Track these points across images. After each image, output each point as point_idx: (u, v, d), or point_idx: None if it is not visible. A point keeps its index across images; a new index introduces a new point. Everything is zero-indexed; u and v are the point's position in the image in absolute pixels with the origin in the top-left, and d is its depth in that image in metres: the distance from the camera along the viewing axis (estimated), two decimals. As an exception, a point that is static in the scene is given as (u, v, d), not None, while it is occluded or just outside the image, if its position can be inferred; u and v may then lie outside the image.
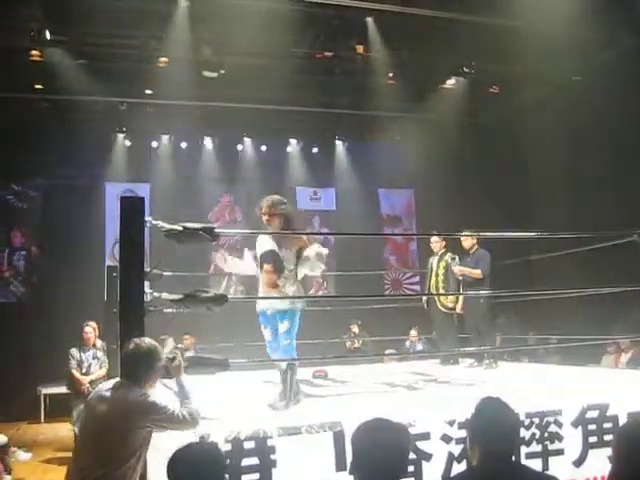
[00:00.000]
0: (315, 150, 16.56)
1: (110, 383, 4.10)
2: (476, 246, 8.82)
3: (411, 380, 7.38)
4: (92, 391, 9.35)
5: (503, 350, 9.09)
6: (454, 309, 9.06)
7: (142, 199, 4.27)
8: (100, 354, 9.67)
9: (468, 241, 8.87)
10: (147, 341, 4.12)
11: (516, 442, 3.09)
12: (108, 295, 8.77)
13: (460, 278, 8.87)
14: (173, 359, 4.32)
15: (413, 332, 12.09)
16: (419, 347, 12.28)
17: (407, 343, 12.30)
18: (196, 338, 11.35)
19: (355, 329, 12.92)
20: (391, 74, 13.32)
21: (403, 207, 17.38)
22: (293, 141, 16.36)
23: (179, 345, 10.70)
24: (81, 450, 3.99)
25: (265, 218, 5.92)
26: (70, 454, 9.12)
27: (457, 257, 9.00)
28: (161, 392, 4.16)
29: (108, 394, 3.98)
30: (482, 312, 8.63)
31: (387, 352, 11.33)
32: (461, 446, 4.77)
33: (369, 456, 2.73)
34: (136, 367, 4.02)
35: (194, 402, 4.20)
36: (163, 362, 4.18)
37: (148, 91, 13.46)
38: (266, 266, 5.82)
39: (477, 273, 8.62)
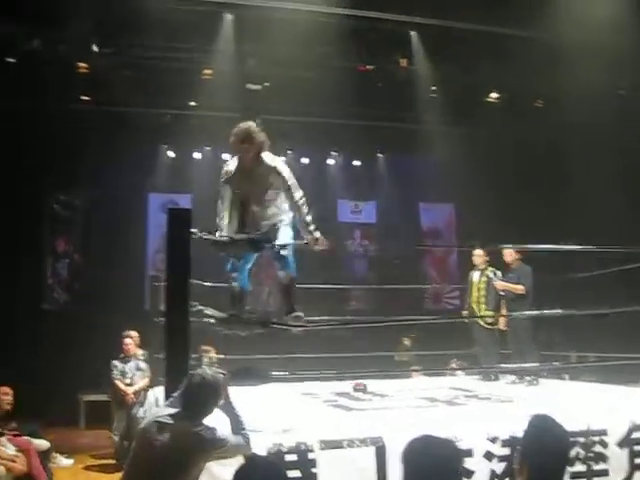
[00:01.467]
0: (356, 163, 16.53)
1: (167, 410, 4.07)
2: (518, 261, 8.75)
3: (452, 395, 7.33)
4: (136, 401, 9.51)
5: (546, 368, 8.94)
6: (495, 324, 9.00)
7: (189, 211, 4.30)
8: (143, 365, 9.77)
9: (510, 256, 8.79)
10: (212, 375, 4.09)
11: (567, 462, 3.02)
12: (151, 304, 8.87)
13: (502, 294, 8.80)
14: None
15: (454, 365, 11.88)
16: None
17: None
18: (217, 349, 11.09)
19: (407, 342, 12.79)
20: (434, 88, 13.30)
21: (443, 221, 17.26)
22: (335, 154, 16.34)
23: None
24: (134, 477, 3.95)
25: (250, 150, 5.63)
26: (110, 461, 9.28)
27: (499, 272, 8.94)
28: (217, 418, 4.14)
29: (168, 423, 3.92)
30: (524, 328, 8.55)
31: (415, 367, 11.21)
32: (504, 464, 4.73)
33: (422, 474, 2.70)
34: (201, 401, 3.98)
35: (246, 426, 4.17)
36: (224, 397, 4.14)
37: (192, 103, 13.57)
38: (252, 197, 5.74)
39: (519, 289, 8.55)
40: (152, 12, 10.74)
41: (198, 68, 12.42)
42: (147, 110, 13.79)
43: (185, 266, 4.10)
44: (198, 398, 3.98)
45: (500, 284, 8.78)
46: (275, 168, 5.67)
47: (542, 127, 13.94)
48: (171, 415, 3.98)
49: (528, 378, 8.35)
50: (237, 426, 4.12)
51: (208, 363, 10.24)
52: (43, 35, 11.22)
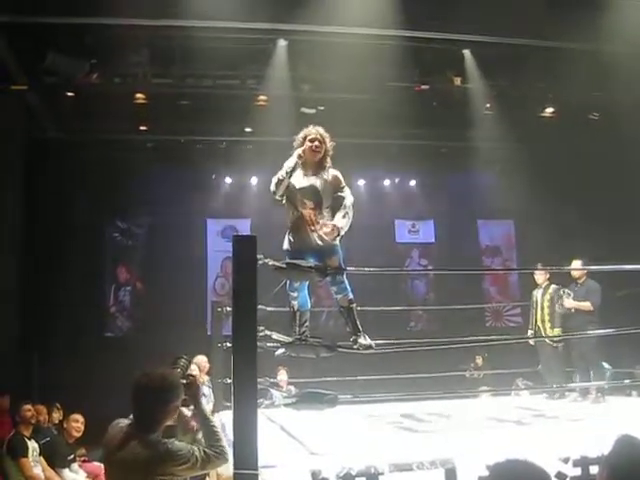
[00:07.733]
0: (413, 183, 16.54)
1: (123, 423, 3.64)
2: (585, 277, 8.62)
3: (518, 415, 7.21)
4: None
5: (612, 384, 8.74)
6: (561, 343, 8.85)
7: (254, 238, 4.30)
8: (207, 390, 9.76)
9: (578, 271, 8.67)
10: (162, 375, 3.63)
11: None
12: (213, 330, 8.92)
13: (572, 311, 8.64)
14: (188, 385, 3.79)
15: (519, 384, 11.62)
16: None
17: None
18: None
19: (479, 361, 12.62)
20: (489, 105, 13.23)
21: (503, 238, 17.09)
22: (391, 174, 16.36)
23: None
24: None
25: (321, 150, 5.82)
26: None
27: (569, 291, 8.79)
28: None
29: (121, 439, 3.49)
30: (591, 345, 8.39)
31: (483, 388, 11.04)
32: (576, 484, 4.62)
33: None
34: (150, 409, 3.53)
35: (220, 433, 3.71)
36: (181, 399, 3.67)
37: (248, 129, 13.71)
38: (308, 202, 5.74)
39: (587, 306, 8.42)
40: (206, 41, 10.92)
41: (252, 94, 12.54)
42: (203, 138, 14.01)
43: (252, 293, 4.10)
44: (145, 406, 3.52)
45: (569, 303, 8.64)
46: (337, 176, 5.85)
47: (598, 140, 13.71)
48: (123, 430, 3.56)
49: (592, 395, 8.18)
50: (210, 436, 3.65)
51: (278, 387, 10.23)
52: (100, 68, 11.45)
